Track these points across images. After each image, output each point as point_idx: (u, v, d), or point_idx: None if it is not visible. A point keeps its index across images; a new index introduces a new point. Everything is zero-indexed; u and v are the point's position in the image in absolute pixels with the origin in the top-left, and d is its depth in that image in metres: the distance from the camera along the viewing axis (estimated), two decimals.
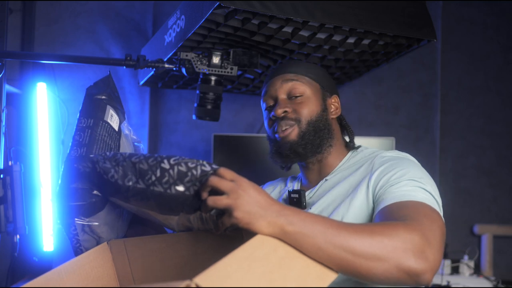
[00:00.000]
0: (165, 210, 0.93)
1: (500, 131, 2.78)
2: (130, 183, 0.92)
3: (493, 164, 2.77)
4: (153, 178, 0.91)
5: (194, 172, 0.90)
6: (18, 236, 1.06)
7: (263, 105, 1.31)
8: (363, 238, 0.86)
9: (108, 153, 0.98)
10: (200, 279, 0.68)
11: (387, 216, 1.00)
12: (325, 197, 1.20)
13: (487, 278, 2.47)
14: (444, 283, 2.35)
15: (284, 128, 1.24)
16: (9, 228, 1.16)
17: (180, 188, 0.90)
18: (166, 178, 0.90)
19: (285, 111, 1.24)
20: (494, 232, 2.68)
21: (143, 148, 1.30)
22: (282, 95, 1.26)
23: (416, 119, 2.76)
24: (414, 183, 1.06)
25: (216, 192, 0.87)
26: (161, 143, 2.60)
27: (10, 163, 1.22)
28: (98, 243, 1.08)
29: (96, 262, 1.06)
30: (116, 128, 1.15)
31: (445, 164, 2.75)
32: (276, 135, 1.26)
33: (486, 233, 2.67)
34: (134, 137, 1.26)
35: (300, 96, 1.25)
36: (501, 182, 2.76)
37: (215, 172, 0.89)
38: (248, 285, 0.74)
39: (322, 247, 0.85)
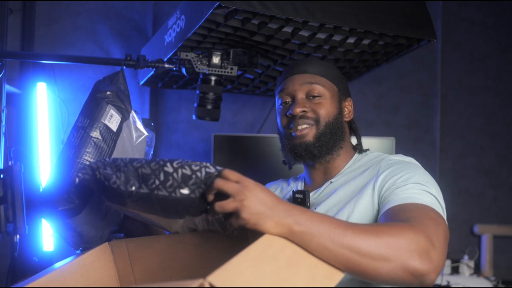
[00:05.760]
0: (170, 213, 0.92)
1: (500, 131, 2.78)
2: (133, 188, 0.91)
3: (493, 164, 2.77)
4: (157, 182, 0.90)
5: (199, 174, 0.89)
6: (18, 236, 1.05)
7: (278, 101, 1.31)
8: (369, 238, 0.87)
9: (107, 159, 0.97)
10: (213, 278, 0.68)
11: (392, 218, 1.01)
12: (330, 199, 1.20)
13: (487, 278, 2.46)
14: (444, 283, 2.35)
15: (301, 127, 1.24)
16: (9, 228, 1.16)
17: (185, 191, 0.89)
18: (170, 182, 0.89)
19: (304, 111, 1.24)
20: (494, 232, 2.68)
21: (153, 136, 1.28)
22: (301, 94, 1.26)
23: (416, 119, 2.76)
24: (419, 187, 1.06)
25: (222, 193, 0.87)
26: (161, 143, 2.59)
27: (10, 163, 1.22)
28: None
29: (98, 263, 1.06)
30: (115, 129, 1.14)
31: (445, 164, 2.75)
32: (293, 133, 1.26)
33: (486, 233, 2.67)
34: (145, 132, 1.25)
35: (319, 97, 1.26)
36: (501, 182, 2.76)
37: (219, 174, 0.88)
38: (259, 284, 0.74)
39: (329, 247, 0.85)
